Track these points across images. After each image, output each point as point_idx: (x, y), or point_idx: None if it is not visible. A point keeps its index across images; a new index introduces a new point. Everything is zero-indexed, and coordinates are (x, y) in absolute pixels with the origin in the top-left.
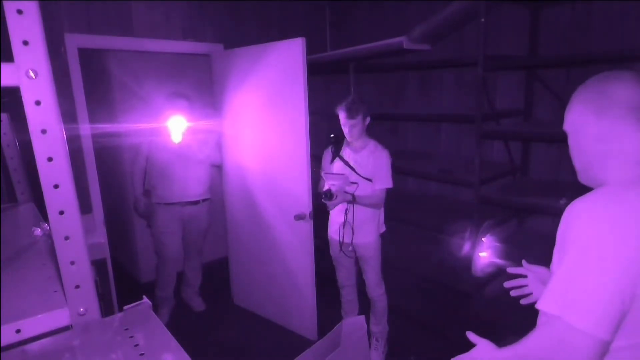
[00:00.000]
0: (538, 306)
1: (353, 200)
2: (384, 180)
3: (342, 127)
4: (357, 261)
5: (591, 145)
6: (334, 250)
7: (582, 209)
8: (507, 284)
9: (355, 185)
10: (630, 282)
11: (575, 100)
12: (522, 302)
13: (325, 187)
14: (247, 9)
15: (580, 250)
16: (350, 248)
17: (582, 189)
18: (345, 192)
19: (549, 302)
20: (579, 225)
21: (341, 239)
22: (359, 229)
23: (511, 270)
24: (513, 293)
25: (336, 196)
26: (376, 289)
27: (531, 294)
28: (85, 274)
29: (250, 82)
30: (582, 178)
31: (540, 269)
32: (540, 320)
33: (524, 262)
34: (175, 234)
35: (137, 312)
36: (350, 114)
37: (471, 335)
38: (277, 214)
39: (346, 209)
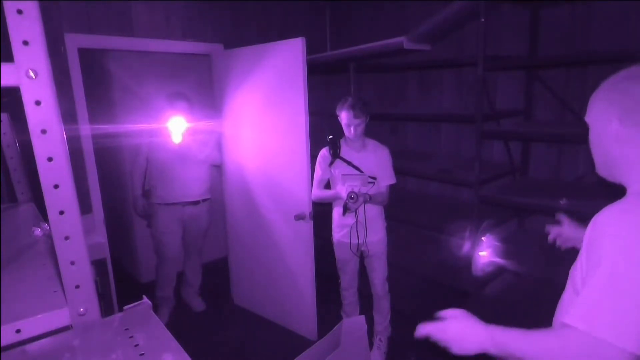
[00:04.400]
0: (565, 320)
1: (369, 199)
2: (390, 177)
3: (345, 126)
4: (360, 262)
5: (612, 145)
6: (343, 253)
7: (610, 221)
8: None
9: (370, 185)
10: None
11: (601, 95)
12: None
13: (346, 190)
14: (247, 9)
15: (610, 265)
16: (363, 248)
17: (582, 190)
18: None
19: (578, 317)
20: (607, 238)
21: (355, 241)
22: (370, 227)
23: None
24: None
25: (359, 197)
26: (384, 286)
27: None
28: (85, 274)
29: (250, 82)
30: (601, 172)
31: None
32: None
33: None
34: (175, 234)
35: (137, 312)
36: (357, 114)
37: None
38: (277, 214)
39: (355, 210)
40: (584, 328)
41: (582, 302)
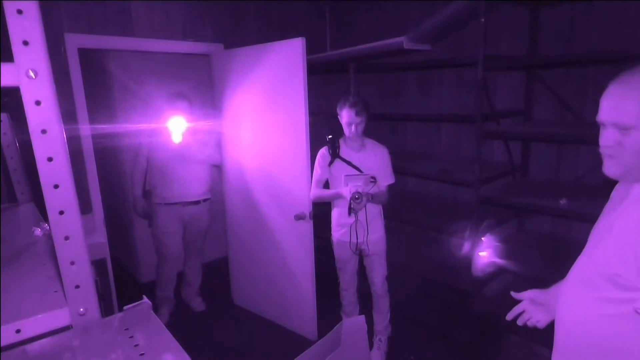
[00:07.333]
0: None
1: (371, 199)
2: (389, 177)
3: (346, 124)
4: (360, 262)
5: None
6: (343, 253)
7: None
8: (509, 317)
9: (372, 184)
10: None
11: None
12: (519, 322)
13: (349, 190)
14: (247, 9)
15: None
16: (363, 247)
17: (582, 190)
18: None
19: None
20: None
21: (355, 240)
22: (370, 226)
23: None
24: (520, 322)
25: (362, 197)
26: (384, 285)
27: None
28: (85, 274)
29: (250, 82)
30: (621, 174)
31: (530, 293)
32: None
33: (512, 293)
34: (175, 234)
35: (137, 312)
36: (359, 111)
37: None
38: (277, 214)
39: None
40: None
41: None
